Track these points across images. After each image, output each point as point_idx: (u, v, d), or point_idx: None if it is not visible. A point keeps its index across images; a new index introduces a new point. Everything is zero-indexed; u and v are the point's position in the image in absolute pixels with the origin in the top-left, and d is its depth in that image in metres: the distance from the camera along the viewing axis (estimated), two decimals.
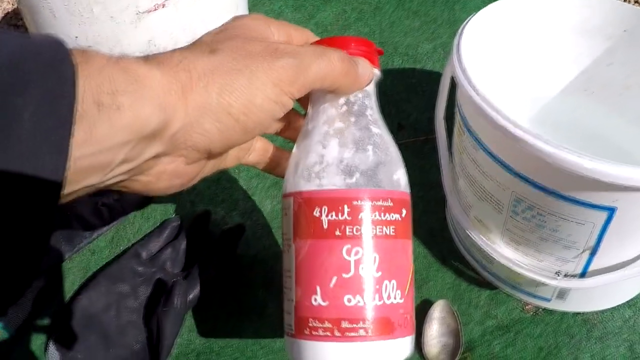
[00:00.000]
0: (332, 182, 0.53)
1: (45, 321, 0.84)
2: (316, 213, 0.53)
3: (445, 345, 0.77)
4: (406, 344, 0.56)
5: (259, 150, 0.62)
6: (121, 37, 0.97)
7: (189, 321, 0.83)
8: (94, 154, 0.39)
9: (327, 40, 0.56)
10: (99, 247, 0.93)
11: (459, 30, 0.73)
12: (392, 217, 0.54)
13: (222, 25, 0.52)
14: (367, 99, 0.58)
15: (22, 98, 0.34)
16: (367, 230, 0.53)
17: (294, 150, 0.58)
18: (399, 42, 1.25)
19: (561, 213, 0.63)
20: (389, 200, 0.54)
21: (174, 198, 0.98)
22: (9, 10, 1.57)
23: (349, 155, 0.54)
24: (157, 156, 0.45)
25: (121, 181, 0.45)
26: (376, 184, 0.54)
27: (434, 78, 1.15)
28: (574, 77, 0.89)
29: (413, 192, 0.92)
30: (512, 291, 0.81)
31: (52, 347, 0.78)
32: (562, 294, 0.76)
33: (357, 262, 0.52)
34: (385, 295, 0.53)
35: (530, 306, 0.81)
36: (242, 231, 0.88)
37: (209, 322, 0.83)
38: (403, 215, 0.56)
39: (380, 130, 0.57)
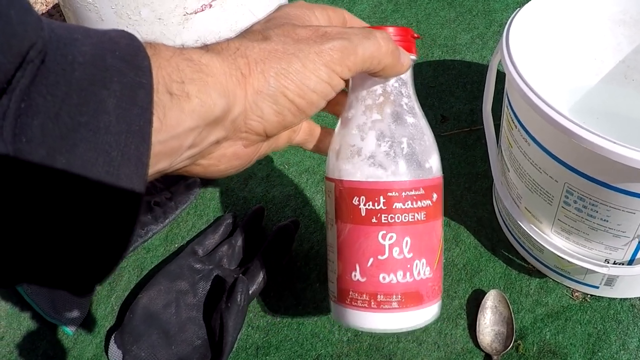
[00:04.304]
0: (369, 174, 0.58)
1: (103, 320, 0.87)
2: (355, 202, 0.59)
3: (498, 333, 0.79)
4: (434, 309, 0.63)
5: (304, 130, 0.64)
6: (169, 37, 0.98)
7: (248, 316, 0.84)
8: (166, 140, 0.41)
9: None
10: (154, 245, 0.94)
11: (506, 26, 0.73)
12: (424, 203, 0.59)
13: (268, 14, 0.54)
14: (404, 87, 0.60)
15: (106, 90, 0.36)
16: (400, 217, 0.59)
17: (335, 135, 0.62)
18: (436, 34, 1.25)
19: (612, 203, 0.65)
20: (421, 189, 0.59)
21: (226, 195, 1.00)
22: (44, 12, 1.58)
23: (385, 149, 0.58)
24: (218, 141, 0.48)
25: (185, 166, 0.48)
26: (410, 174, 0.58)
27: (474, 69, 1.16)
28: (614, 66, 0.90)
29: (460, 184, 0.95)
30: (561, 279, 0.83)
31: (113, 346, 0.80)
32: (610, 281, 0.77)
33: (391, 246, 0.59)
34: (415, 273, 0.60)
35: (578, 293, 0.82)
36: (296, 226, 0.89)
37: (267, 316, 0.84)
38: (434, 199, 0.61)
39: (415, 119, 0.60)
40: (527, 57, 0.74)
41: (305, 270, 0.89)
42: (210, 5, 0.98)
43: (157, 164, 0.42)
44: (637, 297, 0.81)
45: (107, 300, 0.88)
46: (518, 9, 0.76)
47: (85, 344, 0.84)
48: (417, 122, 0.60)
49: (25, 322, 0.87)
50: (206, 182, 1.01)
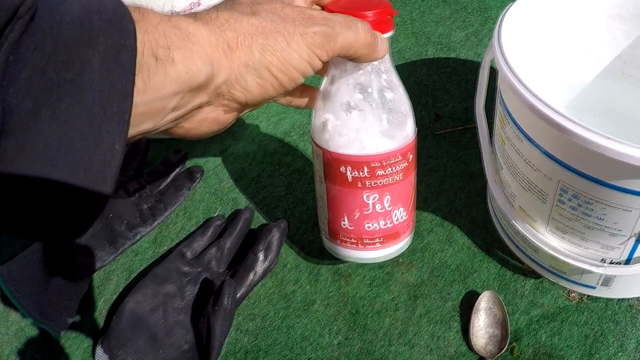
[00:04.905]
0: (354, 148, 0.68)
1: (91, 324, 0.85)
2: (342, 170, 0.69)
3: (493, 335, 0.77)
4: (408, 240, 0.79)
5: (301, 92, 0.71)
6: None
7: (236, 320, 0.83)
8: (150, 102, 0.44)
9: (341, 5, 0.63)
10: (143, 248, 0.93)
11: (498, 21, 0.72)
12: (401, 166, 0.70)
13: None
14: (382, 63, 0.67)
15: (91, 49, 0.38)
16: (382, 181, 0.70)
17: (320, 105, 0.70)
18: (431, 32, 1.24)
19: (608, 200, 0.63)
20: (399, 156, 0.69)
21: (216, 197, 0.99)
22: None
23: (368, 126, 0.67)
24: (201, 105, 0.51)
25: (169, 128, 0.51)
26: (390, 146, 0.68)
27: (469, 66, 1.15)
28: (610, 62, 0.89)
29: (453, 183, 0.94)
30: (557, 279, 0.81)
31: (100, 350, 0.78)
32: (607, 281, 0.76)
33: (374, 203, 0.71)
34: (394, 219, 0.74)
35: (575, 294, 0.80)
36: (286, 228, 0.89)
37: (257, 320, 0.83)
38: (410, 159, 0.72)
39: (394, 92, 0.68)
40: (521, 54, 0.73)
41: (295, 273, 0.87)
42: (199, 4, 0.96)
43: (142, 124, 0.46)
44: (635, 297, 0.79)
45: (95, 304, 0.87)
46: (510, 4, 0.74)
47: (73, 349, 0.83)
48: (396, 94, 0.68)
49: (12, 326, 0.86)
50: (195, 183, 1.00)
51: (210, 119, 0.54)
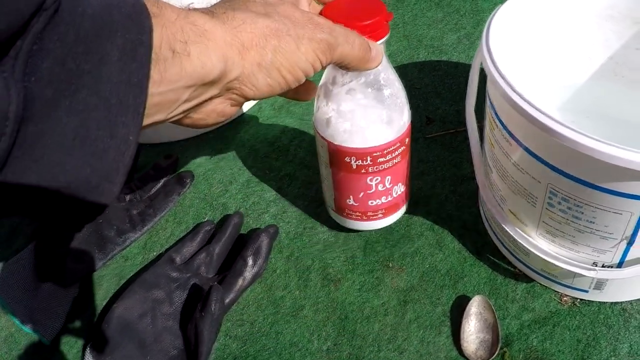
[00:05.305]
0: (357, 142, 0.75)
1: (81, 330, 0.85)
2: (347, 159, 0.77)
3: (483, 340, 0.76)
4: (405, 207, 0.90)
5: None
6: None
7: (225, 325, 0.82)
8: (165, 92, 0.46)
9: (339, 8, 0.66)
10: (132, 253, 0.93)
11: (487, 23, 0.72)
12: (400, 150, 0.78)
13: None
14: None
15: (110, 43, 0.40)
16: (383, 166, 0.78)
17: (321, 102, 0.76)
18: (423, 35, 1.24)
19: (598, 203, 0.63)
20: (397, 143, 0.77)
21: (206, 202, 0.99)
22: None
23: (370, 123, 0.74)
24: (211, 98, 0.54)
25: (179, 119, 0.53)
26: (390, 137, 0.75)
27: (461, 69, 1.15)
28: (603, 63, 0.88)
29: (444, 187, 0.94)
30: (549, 283, 0.80)
31: (89, 356, 0.78)
32: (599, 284, 0.75)
33: (377, 184, 0.80)
34: (394, 194, 0.83)
35: (567, 298, 0.80)
36: (275, 233, 0.88)
37: (245, 325, 0.82)
38: (406, 143, 0.79)
39: (391, 88, 0.74)
40: (512, 56, 0.73)
41: (284, 278, 0.87)
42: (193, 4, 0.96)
43: (156, 115, 0.48)
44: (628, 301, 0.79)
45: (85, 310, 0.86)
46: (500, 5, 0.74)
47: (62, 354, 0.82)
48: (393, 90, 0.75)
49: (2, 332, 0.85)
50: (185, 188, 0.99)
51: (218, 110, 0.56)
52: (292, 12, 0.57)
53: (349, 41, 0.61)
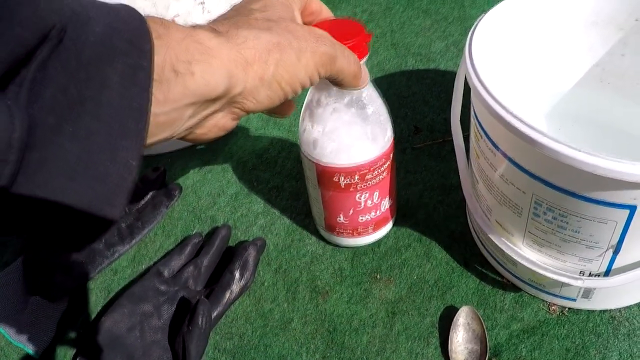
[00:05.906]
0: (344, 161, 0.76)
1: (70, 343, 0.84)
2: (335, 178, 0.78)
3: (472, 351, 0.76)
4: (393, 219, 0.91)
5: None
6: None
7: (214, 338, 0.82)
8: (169, 112, 0.47)
9: (328, 28, 0.65)
10: (121, 266, 0.93)
11: (470, 32, 0.72)
12: (386, 165, 0.80)
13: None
14: None
15: (111, 68, 0.40)
16: (370, 182, 0.79)
17: (306, 125, 0.77)
18: (410, 43, 1.24)
19: (582, 213, 0.63)
20: (383, 159, 0.78)
21: (194, 214, 0.98)
22: None
23: (354, 141, 0.75)
24: (214, 113, 0.54)
25: (185, 135, 0.54)
26: (375, 153, 0.77)
27: (448, 77, 1.15)
28: (589, 69, 0.88)
29: (432, 197, 0.94)
30: (537, 292, 0.80)
31: None
32: (587, 293, 0.75)
33: (365, 200, 0.81)
34: (383, 208, 0.85)
35: (555, 307, 0.80)
36: (262, 245, 0.88)
37: (234, 338, 0.82)
38: (391, 157, 0.81)
39: (374, 105, 0.75)
40: (497, 64, 0.73)
41: (272, 291, 0.87)
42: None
43: (161, 133, 0.48)
44: (616, 308, 0.79)
45: (74, 323, 0.86)
46: (483, 13, 0.74)
47: None
48: (376, 107, 0.76)
49: None
50: (174, 201, 0.99)
51: (220, 125, 0.56)
52: (293, 27, 0.57)
53: (345, 55, 0.61)
